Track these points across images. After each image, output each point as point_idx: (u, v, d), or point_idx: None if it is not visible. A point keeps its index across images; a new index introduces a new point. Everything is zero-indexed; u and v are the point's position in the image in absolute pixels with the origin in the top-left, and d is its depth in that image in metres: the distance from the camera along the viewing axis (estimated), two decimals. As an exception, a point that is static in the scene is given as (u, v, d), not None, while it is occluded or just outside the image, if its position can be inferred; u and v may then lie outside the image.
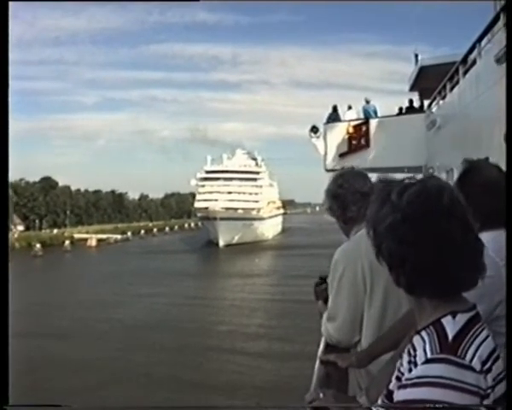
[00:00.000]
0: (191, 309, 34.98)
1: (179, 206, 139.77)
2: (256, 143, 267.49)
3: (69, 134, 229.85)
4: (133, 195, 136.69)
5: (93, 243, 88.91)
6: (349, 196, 2.78)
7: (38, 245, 76.43)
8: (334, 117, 18.19)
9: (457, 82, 12.19)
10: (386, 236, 1.30)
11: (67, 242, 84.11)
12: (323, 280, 3.21)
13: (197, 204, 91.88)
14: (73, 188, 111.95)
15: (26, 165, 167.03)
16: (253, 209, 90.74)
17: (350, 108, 18.50)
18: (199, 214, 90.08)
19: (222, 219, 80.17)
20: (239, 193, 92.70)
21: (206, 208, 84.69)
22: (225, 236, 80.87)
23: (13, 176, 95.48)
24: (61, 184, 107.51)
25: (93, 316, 32.38)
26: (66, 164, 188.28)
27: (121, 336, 27.77)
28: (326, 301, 3.03)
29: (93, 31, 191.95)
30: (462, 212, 1.29)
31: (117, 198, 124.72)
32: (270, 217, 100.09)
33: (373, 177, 2.94)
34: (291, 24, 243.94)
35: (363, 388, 2.27)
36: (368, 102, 18.04)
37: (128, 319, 31.83)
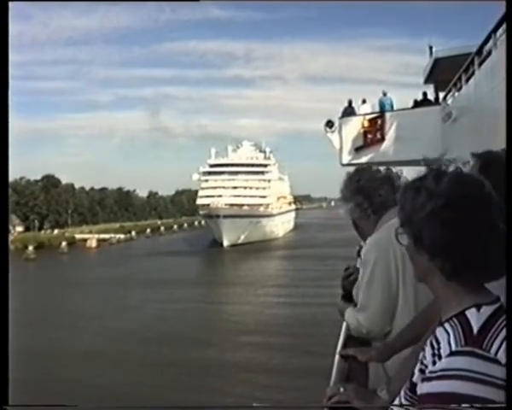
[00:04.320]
0: (169, 325, 30.05)
1: (190, 203, 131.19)
2: (271, 138, 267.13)
3: (83, 133, 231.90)
4: (143, 192, 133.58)
5: (93, 243, 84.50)
6: (372, 183, 2.80)
7: (31, 248, 72.06)
8: (349, 111, 18.14)
9: (473, 73, 12.16)
10: (428, 222, 1.29)
11: (64, 243, 79.67)
12: (351, 271, 3.28)
13: (200, 201, 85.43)
14: (79, 186, 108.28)
15: (38, 165, 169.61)
16: (260, 205, 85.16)
17: (364, 101, 18.45)
18: (201, 212, 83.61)
19: (225, 216, 73.72)
20: (245, 188, 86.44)
21: (209, 205, 78.32)
22: (230, 235, 74.63)
23: (20, 175, 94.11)
24: (68, 182, 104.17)
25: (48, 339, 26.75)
26: (79, 163, 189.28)
27: (80, 364, 22.76)
28: (346, 297, 3.08)
29: (106, 30, 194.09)
30: (497, 201, 1.31)
31: (124, 196, 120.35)
32: (281, 213, 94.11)
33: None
34: (304, 19, 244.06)
35: (382, 382, 2.27)
36: (385, 94, 17.94)
37: (95, 340, 26.84)
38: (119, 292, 41.63)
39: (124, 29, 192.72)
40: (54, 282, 48.07)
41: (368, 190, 2.79)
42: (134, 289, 43.12)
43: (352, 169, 2.99)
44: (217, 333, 28.90)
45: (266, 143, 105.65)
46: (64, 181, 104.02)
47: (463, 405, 1.15)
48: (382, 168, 2.99)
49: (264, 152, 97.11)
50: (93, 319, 32.01)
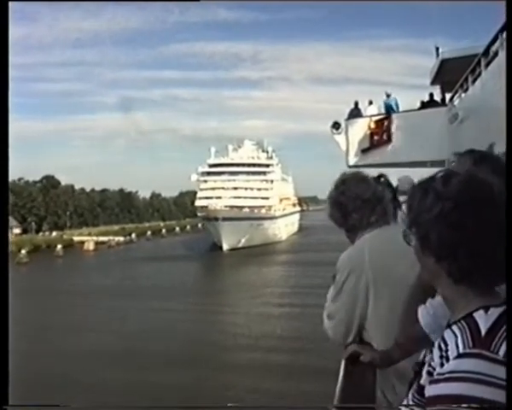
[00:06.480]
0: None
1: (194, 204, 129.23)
2: (278, 139, 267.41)
3: (91, 134, 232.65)
4: (146, 194, 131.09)
5: (90, 246, 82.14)
6: (350, 203, 2.76)
7: (23, 251, 69.31)
8: (355, 113, 18.14)
9: (479, 74, 12.17)
10: (436, 224, 1.29)
11: (59, 246, 77.15)
12: None
13: (198, 202, 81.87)
14: (80, 187, 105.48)
15: (42, 166, 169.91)
16: (262, 207, 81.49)
17: (371, 103, 18.42)
18: (199, 214, 79.93)
19: (224, 219, 70.23)
20: (246, 189, 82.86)
21: (207, 207, 74.71)
22: (229, 238, 71.06)
23: (21, 176, 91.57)
24: (69, 183, 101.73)
25: None
26: (85, 165, 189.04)
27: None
28: None
29: (113, 31, 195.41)
30: (504, 204, 1.31)
31: (126, 197, 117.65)
32: (284, 215, 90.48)
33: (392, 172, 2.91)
34: (310, 20, 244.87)
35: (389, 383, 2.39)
36: (388, 95, 17.92)
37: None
38: (108, 301, 38.80)
39: (131, 31, 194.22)
40: (42, 288, 45.11)
41: (346, 208, 2.78)
42: (123, 298, 39.99)
43: (347, 172, 2.94)
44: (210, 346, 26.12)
45: (270, 142, 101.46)
46: (66, 182, 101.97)
47: (471, 407, 1.13)
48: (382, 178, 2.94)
49: (267, 152, 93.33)
50: (74, 331, 29.23)
